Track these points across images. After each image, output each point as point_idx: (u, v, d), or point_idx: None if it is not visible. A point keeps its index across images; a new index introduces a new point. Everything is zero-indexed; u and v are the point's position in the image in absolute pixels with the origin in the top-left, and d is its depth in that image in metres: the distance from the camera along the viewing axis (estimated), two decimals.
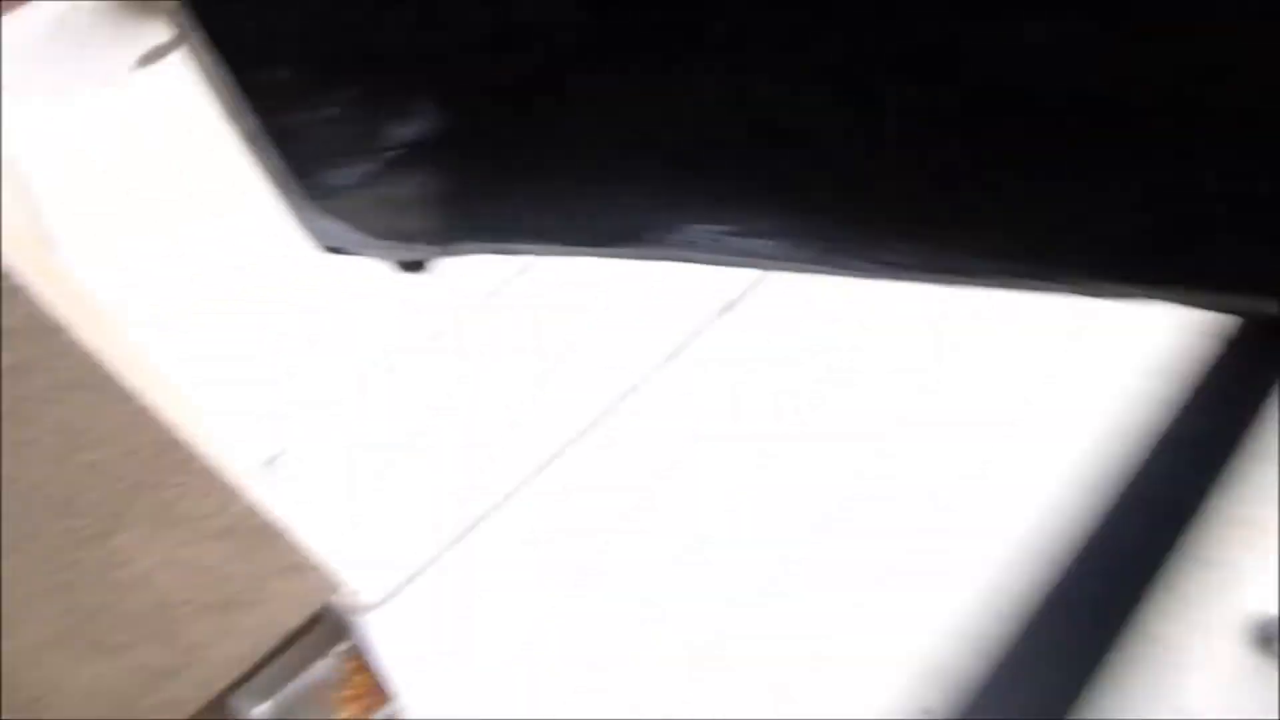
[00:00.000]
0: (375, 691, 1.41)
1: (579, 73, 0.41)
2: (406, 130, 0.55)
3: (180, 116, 2.45)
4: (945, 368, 1.63)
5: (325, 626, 1.46)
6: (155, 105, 2.66)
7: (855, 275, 0.48)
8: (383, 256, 0.49)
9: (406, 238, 0.50)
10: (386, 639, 1.48)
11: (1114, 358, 1.51)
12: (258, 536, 1.29)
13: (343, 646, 1.47)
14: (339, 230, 0.50)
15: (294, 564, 1.37)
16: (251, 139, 0.49)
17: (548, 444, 1.71)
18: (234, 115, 0.49)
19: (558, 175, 0.47)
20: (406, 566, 1.58)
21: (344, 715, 1.41)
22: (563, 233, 0.47)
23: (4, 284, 0.96)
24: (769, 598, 1.42)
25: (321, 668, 1.45)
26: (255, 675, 1.41)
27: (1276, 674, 1.14)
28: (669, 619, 1.45)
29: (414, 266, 0.50)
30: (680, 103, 0.40)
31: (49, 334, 1.02)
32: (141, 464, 1.14)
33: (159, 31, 2.95)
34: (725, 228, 0.43)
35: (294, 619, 1.41)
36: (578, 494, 1.65)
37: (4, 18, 2.97)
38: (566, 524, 1.61)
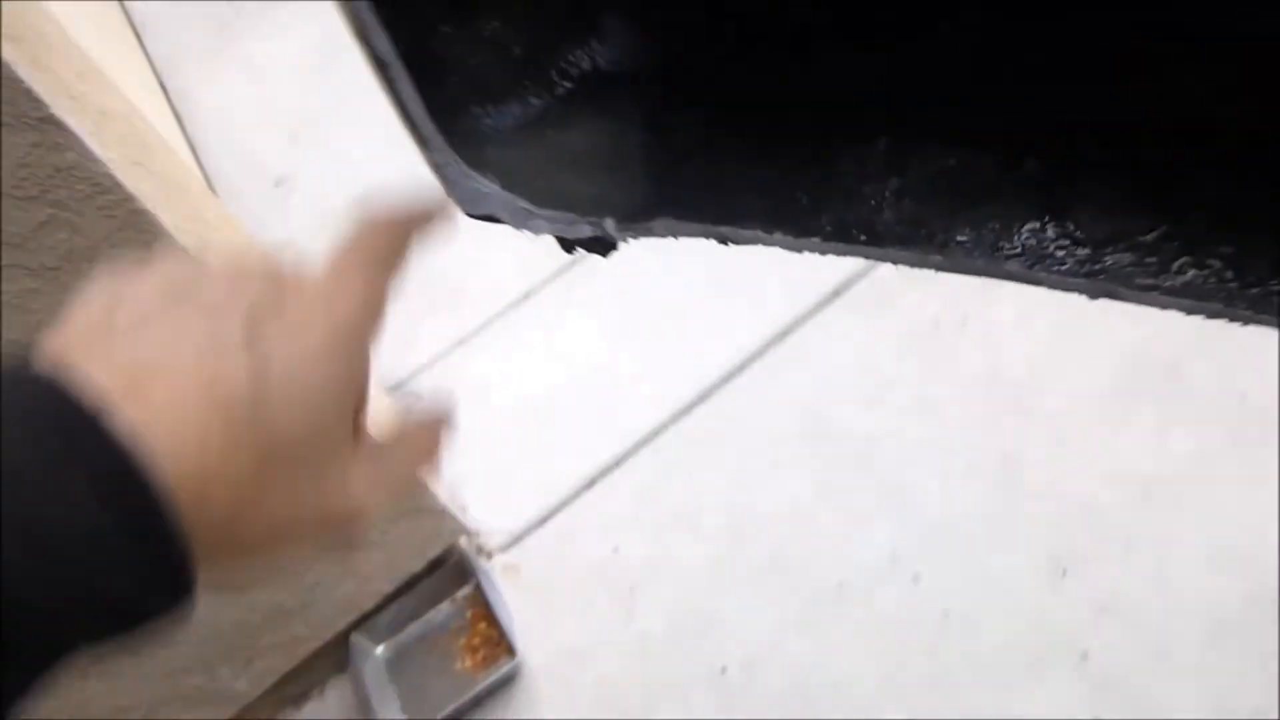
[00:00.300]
0: (496, 643, 1.34)
1: None
2: (589, 57, 0.41)
3: (330, 46, 2.37)
4: None
5: (448, 570, 1.40)
6: (303, 35, 2.57)
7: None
8: (550, 230, 0.37)
9: (581, 206, 0.37)
10: (508, 586, 1.42)
11: None
12: None
13: (465, 591, 1.40)
14: (493, 192, 0.37)
15: (417, 507, 1.30)
16: (381, 67, 0.36)
17: (690, 387, 1.59)
18: (360, 34, 0.36)
19: (807, 135, 0.33)
20: (534, 510, 1.50)
21: (464, 665, 1.35)
22: (808, 218, 0.33)
23: (147, 229, 0.89)
24: (938, 577, 1.28)
25: (443, 612, 1.40)
26: (376, 616, 1.36)
27: None
28: (820, 575, 1.32)
29: (590, 247, 0.37)
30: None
31: None
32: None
33: None
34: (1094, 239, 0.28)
35: (417, 562, 1.35)
36: (721, 438, 1.53)
37: None
38: (708, 470, 1.49)
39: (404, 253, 0.34)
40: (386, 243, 0.33)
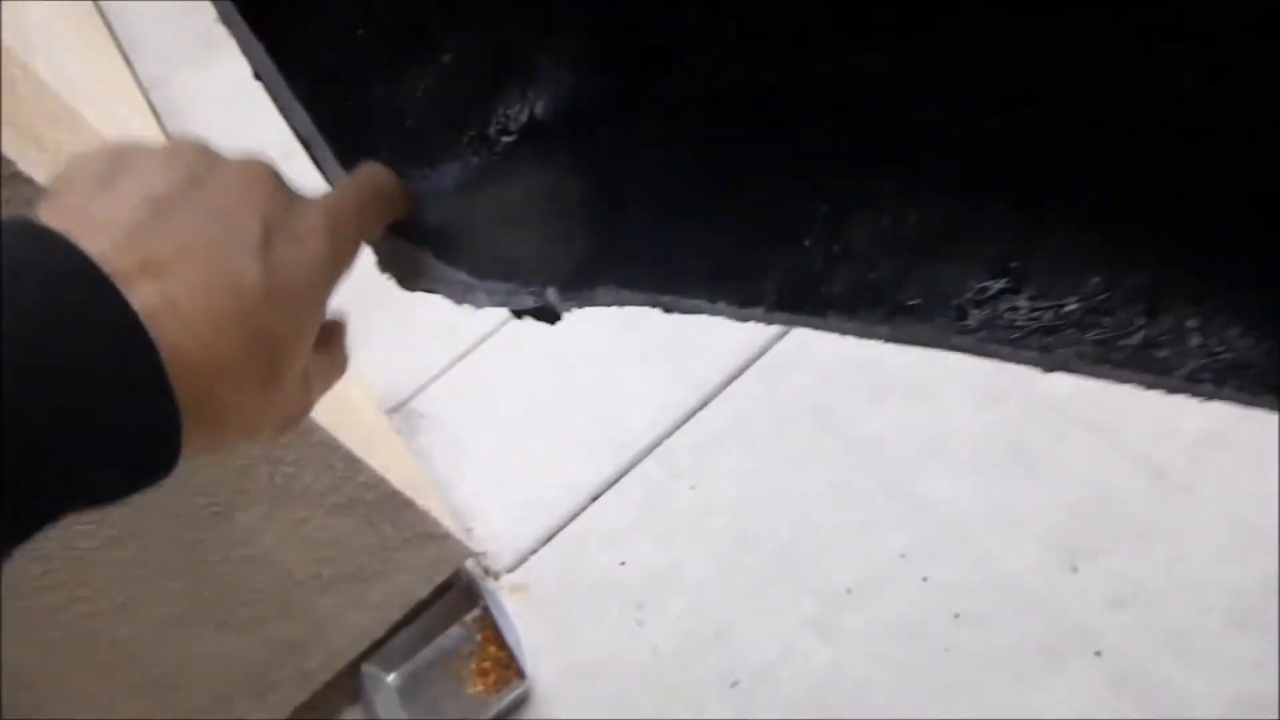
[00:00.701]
0: (507, 665, 1.33)
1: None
2: (528, 107, 0.39)
3: None
4: None
5: (456, 594, 1.39)
6: None
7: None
8: (491, 303, 0.35)
9: (522, 272, 0.35)
10: (517, 606, 1.41)
11: None
12: (381, 509, 1.21)
13: (473, 614, 1.40)
14: (430, 266, 0.36)
15: (421, 533, 1.29)
16: (305, 144, 0.35)
17: (691, 392, 1.57)
18: (281, 111, 0.35)
19: (771, 190, 0.32)
20: (540, 527, 1.49)
21: (476, 689, 1.34)
22: (753, 279, 0.31)
23: None
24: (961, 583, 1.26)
25: (453, 636, 1.39)
26: (386, 644, 1.35)
27: None
28: (829, 579, 1.31)
29: (536, 316, 0.36)
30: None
31: None
32: (257, 440, 1.06)
33: None
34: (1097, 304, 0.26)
35: (424, 588, 1.34)
36: (725, 443, 1.51)
37: None
38: (713, 476, 1.48)
39: (391, 215, 0.37)
40: (382, 203, 0.36)
